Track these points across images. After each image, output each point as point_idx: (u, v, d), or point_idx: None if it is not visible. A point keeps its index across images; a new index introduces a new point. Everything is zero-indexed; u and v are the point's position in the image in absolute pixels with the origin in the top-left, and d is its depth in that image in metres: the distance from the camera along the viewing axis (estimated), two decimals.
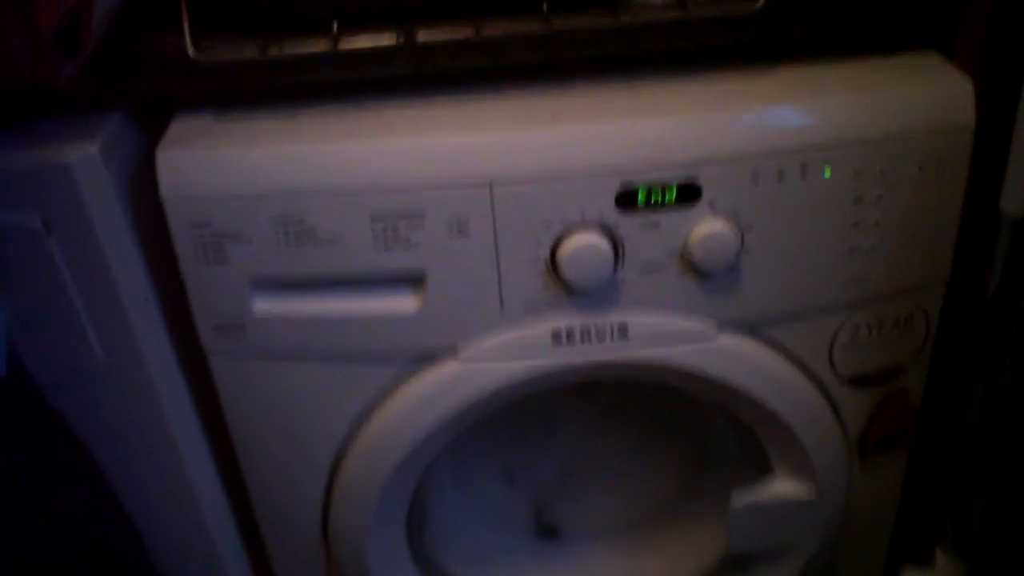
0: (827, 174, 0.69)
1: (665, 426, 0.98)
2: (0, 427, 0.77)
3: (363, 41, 0.70)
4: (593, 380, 0.91)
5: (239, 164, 0.69)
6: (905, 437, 0.84)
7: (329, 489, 0.84)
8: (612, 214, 0.69)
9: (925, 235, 0.73)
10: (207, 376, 0.80)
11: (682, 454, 1.00)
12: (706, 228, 0.70)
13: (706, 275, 0.72)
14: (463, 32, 0.70)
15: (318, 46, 0.70)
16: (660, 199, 0.69)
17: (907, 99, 0.70)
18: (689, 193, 0.69)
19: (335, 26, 0.70)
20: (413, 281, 0.73)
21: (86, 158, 0.69)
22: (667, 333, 0.75)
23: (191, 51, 0.69)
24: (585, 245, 0.69)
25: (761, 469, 0.86)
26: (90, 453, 0.82)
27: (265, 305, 0.74)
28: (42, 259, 0.72)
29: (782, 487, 0.83)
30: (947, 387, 0.79)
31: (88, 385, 0.79)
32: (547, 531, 1.04)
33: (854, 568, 0.92)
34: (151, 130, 0.73)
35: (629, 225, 0.70)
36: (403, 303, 0.74)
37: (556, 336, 0.74)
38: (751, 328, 0.76)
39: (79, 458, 0.82)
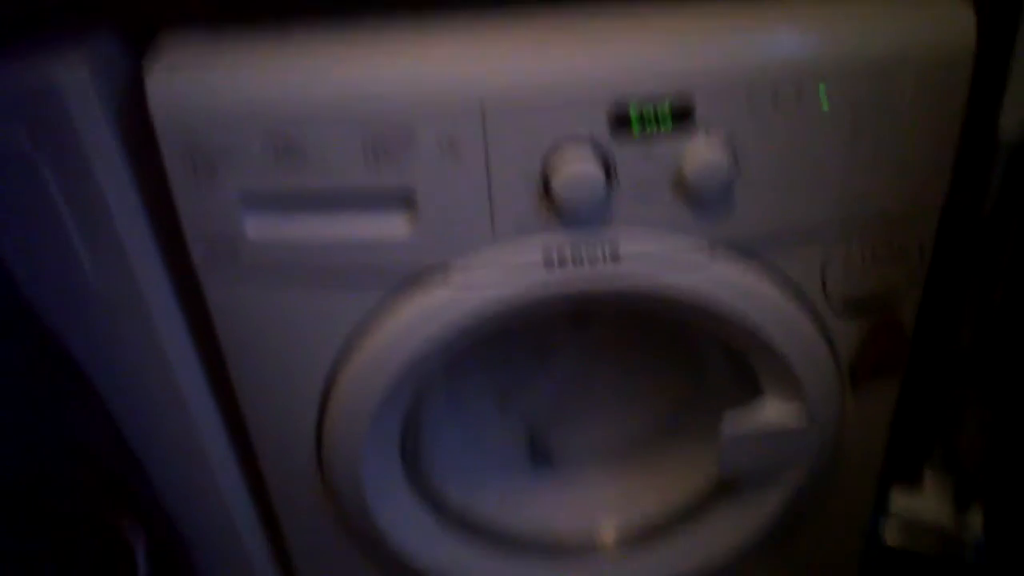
0: (823, 97, 0.68)
1: (659, 353, 0.98)
2: None
3: None
4: (588, 309, 0.92)
5: (229, 83, 0.69)
6: (897, 365, 0.84)
7: (322, 414, 0.85)
8: (605, 136, 0.69)
9: (921, 161, 0.73)
10: (202, 300, 0.80)
11: (676, 381, 1.00)
12: (700, 151, 0.69)
13: (699, 199, 0.72)
14: None
15: None
16: (653, 120, 0.68)
17: (906, 23, 0.69)
18: (683, 115, 0.68)
19: None
20: (404, 202, 0.72)
21: (75, 79, 0.69)
22: (660, 257, 0.74)
23: None
24: (578, 167, 0.69)
25: (755, 397, 0.86)
26: (87, 374, 0.83)
27: (257, 226, 0.74)
28: (32, 179, 0.72)
29: (774, 414, 0.84)
30: (940, 312, 0.79)
31: (83, 308, 0.79)
32: (541, 457, 1.05)
33: (846, 491, 0.93)
34: (140, 49, 0.72)
35: (622, 147, 0.69)
36: (394, 224, 0.73)
37: (548, 259, 0.74)
38: (744, 252, 0.76)
39: (76, 378, 0.82)
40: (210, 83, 0.69)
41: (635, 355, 0.99)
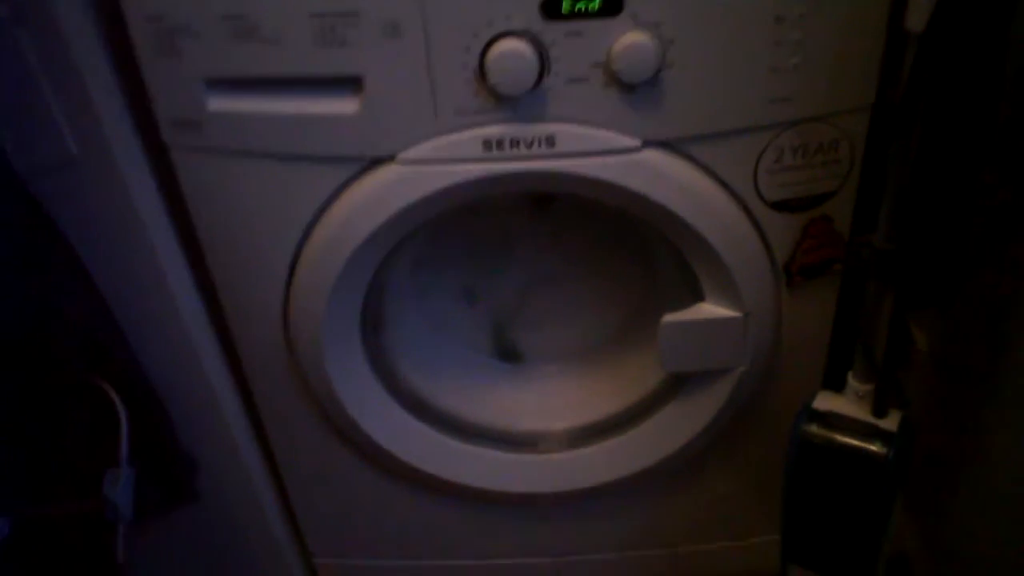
0: None
1: (618, 265, 1.02)
2: None
3: None
4: (541, 199, 0.95)
5: None
6: (833, 266, 0.86)
7: (288, 289, 0.90)
8: (538, 22, 0.72)
9: (848, 58, 0.74)
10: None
11: (633, 291, 1.04)
12: (628, 38, 0.72)
13: (630, 88, 0.74)
14: None
15: None
16: (584, 7, 0.71)
17: None
18: (612, 3, 0.71)
19: None
20: (352, 83, 0.76)
21: None
22: (592, 147, 0.77)
23: None
24: (510, 50, 0.72)
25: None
26: (71, 243, 0.89)
27: (219, 102, 0.79)
28: (12, 50, 0.78)
29: (710, 309, 0.87)
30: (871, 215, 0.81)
31: (64, 176, 0.85)
32: (507, 353, 1.09)
33: (789, 391, 0.95)
34: None
35: (554, 33, 0.73)
36: (344, 104, 0.78)
37: (487, 143, 0.78)
38: (676, 148, 0.78)
39: (60, 246, 0.89)
40: None
41: (596, 263, 1.03)
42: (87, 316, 0.92)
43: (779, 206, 0.82)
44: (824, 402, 0.84)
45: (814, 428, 0.82)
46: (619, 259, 1.01)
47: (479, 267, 1.04)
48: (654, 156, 0.78)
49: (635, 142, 0.77)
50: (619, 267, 1.02)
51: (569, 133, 0.77)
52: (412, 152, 0.79)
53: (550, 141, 0.78)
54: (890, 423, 0.81)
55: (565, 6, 0.71)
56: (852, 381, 0.82)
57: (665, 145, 0.78)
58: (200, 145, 0.82)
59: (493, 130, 0.77)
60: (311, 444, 1.03)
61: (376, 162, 0.80)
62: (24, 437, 0.99)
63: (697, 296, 0.89)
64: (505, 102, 0.76)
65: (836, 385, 0.84)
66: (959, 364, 0.89)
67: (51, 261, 0.89)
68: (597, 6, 0.71)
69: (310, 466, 1.07)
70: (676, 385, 0.98)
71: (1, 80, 0.80)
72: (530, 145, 0.78)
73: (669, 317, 0.88)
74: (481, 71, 0.74)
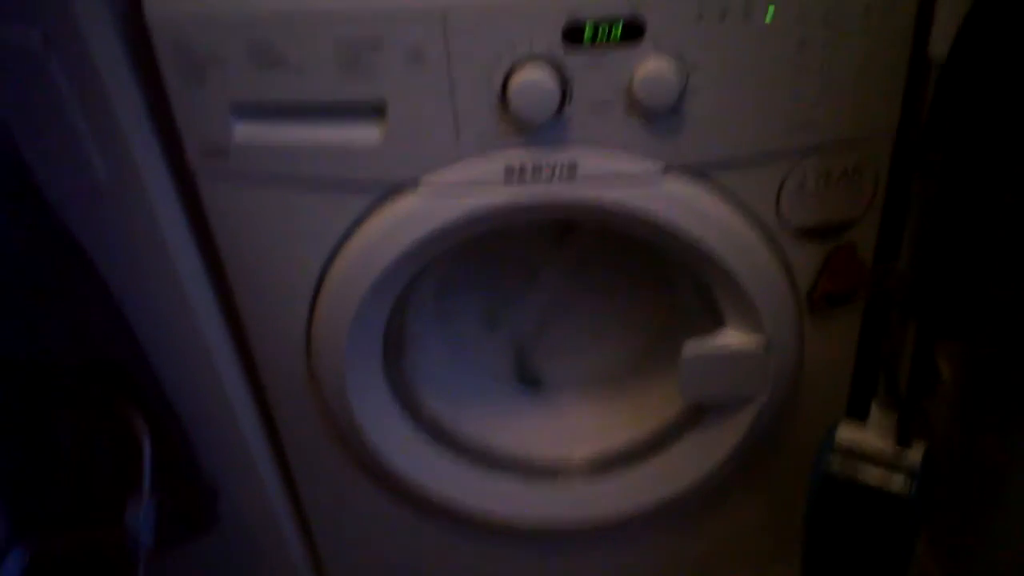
0: (770, 15, 0.70)
1: (638, 290, 1.02)
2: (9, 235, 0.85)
3: None
4: (564, 227, 0.95)
5: None
6: (856, 294, 0.86)
7: (311, 315, 0.90)
8: (559, 49, 0.72)
9: (871, 84, 0.74)
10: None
11: (653, 317, 1.03)
12: (650, 66, 0.72)
13: (652, 115, 0.75)
14: None
15: None
16: (606, 35, 0.71)
17: None
18: (634, 30, 0.71)
19: None
20: (376, 111, 0.77)
21: None
22: (614, 173, 0.78)
23: None
24: (532, 77, 0.73)
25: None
26: (98, 268, 0.90)
27: (245, 131, 0.80)
28: (43, 77, 0.79)
29: (732, 338, 0.86)
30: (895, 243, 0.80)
31: (92, 201, 0.86)
32: (527, 379, 1.09)
33: (812, 420, 0.94)
34: None
35: (576, 61, 0.73)
36: (368, 132, 0.78)
37: (509, 172, 0.78)
38: (698, 174, 0.78)
39: (86, 270, 0.90)
40: None
41: (616, 289, 1.03)
42: (111, 341, 0.93)
43: (802, 233, 0.82)
44: (847, 432, 0.83)
45: (836, 460, 0.81)
46: (640, 285, 1.01)
47: (500, 292, 1.04)
48: (676, 182, 0.78)
49: (657, 168, 0.77)
50: (640, 293, 1.02)
51: (591, 160, 0.77)
52: (435, 178, 0.79)
53: (572, 168, 0.78)
54: (914, 455, 0.80)
55: (587, 34, 0.72)
56: (876, 410, 0.82)
57: (687, 171, 0.78)
58: (227, 171, 0.83)
59: (515, 157, 0.78)
60: (331, 471, 1.03)
61: (399, 188, 0.81)
62: (44, 465, 0.99)
63: (718, 322, 0.89)
64: (527, 129, 0.76)
65: (860, 414, 0.83)
66: (983, 395, 0.88)
67: (77, 285, 0.90)
68: (619, 34, 0.71)
69: (330, 493, 1.07)
70: (698, 413, 0.97)
71: (32, 106, 0.81)
72: (552, 172, 0.78)
73: (690, 347, 0.87)
74: (503, 98, 0.74)
